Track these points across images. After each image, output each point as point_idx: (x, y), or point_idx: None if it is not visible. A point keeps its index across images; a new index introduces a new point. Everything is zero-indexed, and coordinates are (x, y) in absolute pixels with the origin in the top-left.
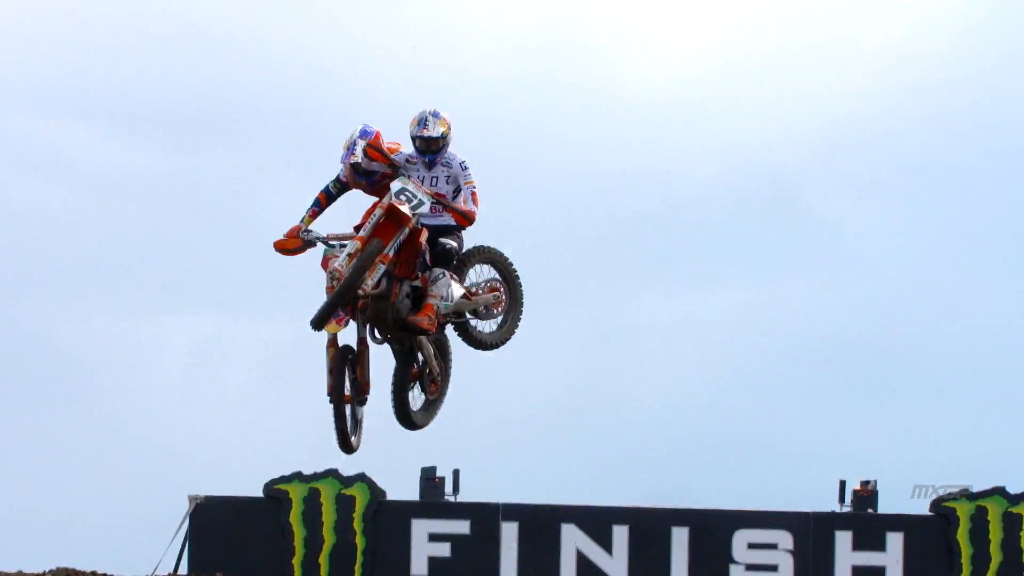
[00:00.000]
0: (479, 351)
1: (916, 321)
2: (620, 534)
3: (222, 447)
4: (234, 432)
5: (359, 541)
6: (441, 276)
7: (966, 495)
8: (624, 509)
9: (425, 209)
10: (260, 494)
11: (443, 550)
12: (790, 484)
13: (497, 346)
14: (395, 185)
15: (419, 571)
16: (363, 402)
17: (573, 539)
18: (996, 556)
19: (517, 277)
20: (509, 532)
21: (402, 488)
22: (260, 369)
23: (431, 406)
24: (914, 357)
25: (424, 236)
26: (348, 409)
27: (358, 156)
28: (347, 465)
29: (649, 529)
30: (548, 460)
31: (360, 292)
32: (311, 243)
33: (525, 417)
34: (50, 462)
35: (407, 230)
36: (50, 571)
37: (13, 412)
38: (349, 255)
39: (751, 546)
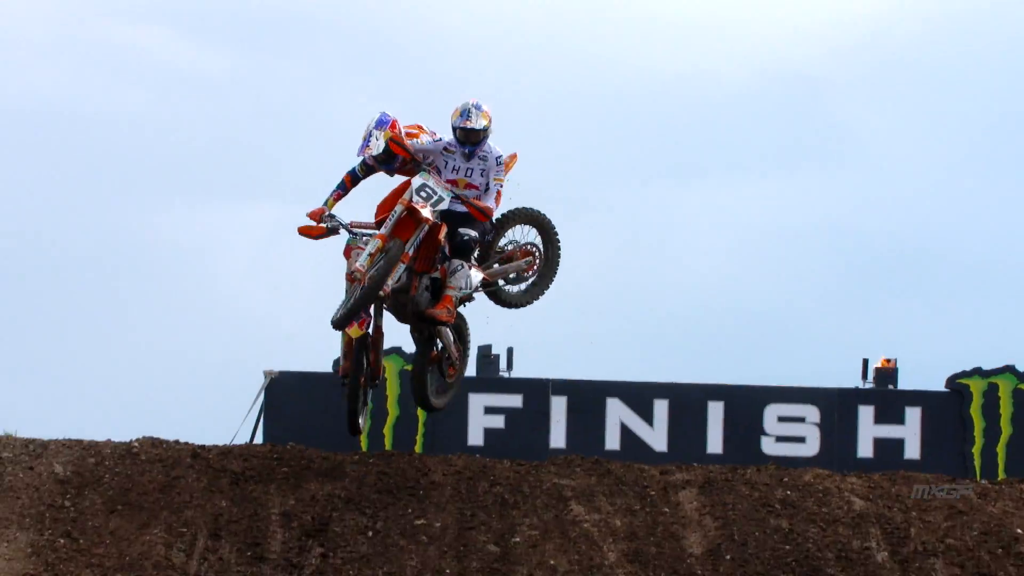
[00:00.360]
0: (504, 308)
1: (932, 214)
2: (660, 408)
3: (295, 325)
4: (306, 312)
5: (420, 413)
6: (460, 268)
7: (979, 373)
8: (664, 384)
9: (444, 205)
10: (330, 370)
11: (497, 422)
12: (817, 362)
13: (522, 306)
14: (416, 181)
15: (475, 441)
16: (375, 386)
17: (617, 412)
18: (1006, 429)
19: (557, 241)
20: (558, 405)
21: None
22: (327, 255)
23: (449, 388)
24: (931, 247)
25: (443, 232)
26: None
27: (373, 148)
28: (411, 344)
29: (687, 403)
30: (594, 339)
31: (381, 293)
32: (334, 230)
33: (574, 300)
34: (138, 340)
35: (426, 227)
36: (136, 440)
37: (103, 294)
38: (370, 255)
39: (781, 419)
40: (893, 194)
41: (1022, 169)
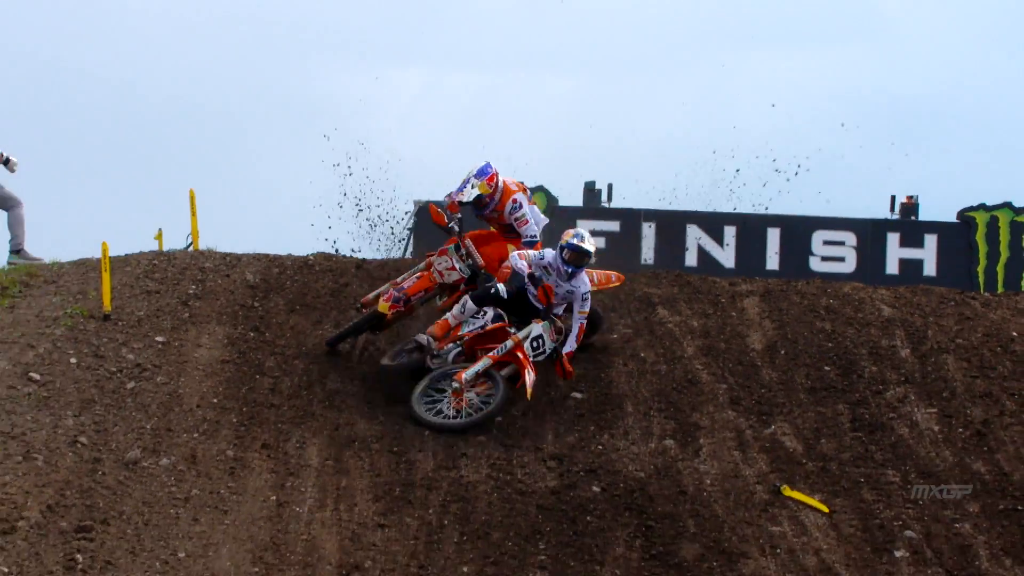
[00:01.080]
0: None
1: (945, 78)
2: (730, 232)
3: (438, 164)
4: (445, 153)
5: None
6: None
7: (983, 208)
8: (732, 214)
9: (543, 357)
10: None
11: (599, 243)
12: (855, 198)
13: None
14: (535, 328)
15: None
16: (377, 332)
17: (695, 236)
18: (1004, 252)
19: (595, 333)
20: (648, 230)
21: (570, 197)
22: (467, 110)
23: None
24: (946, 105)
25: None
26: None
27: (465, 195)
28: (529, 179)
29: (751, 229)
30: (677, 176)
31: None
32: (451, 231)
33: (660, 144)
34: (317, 176)
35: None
36: (312, 254)
37: (296, 140)
38: (478, 375)
39: (825, 243)
40: (914, 62)
41: (1019, 41)
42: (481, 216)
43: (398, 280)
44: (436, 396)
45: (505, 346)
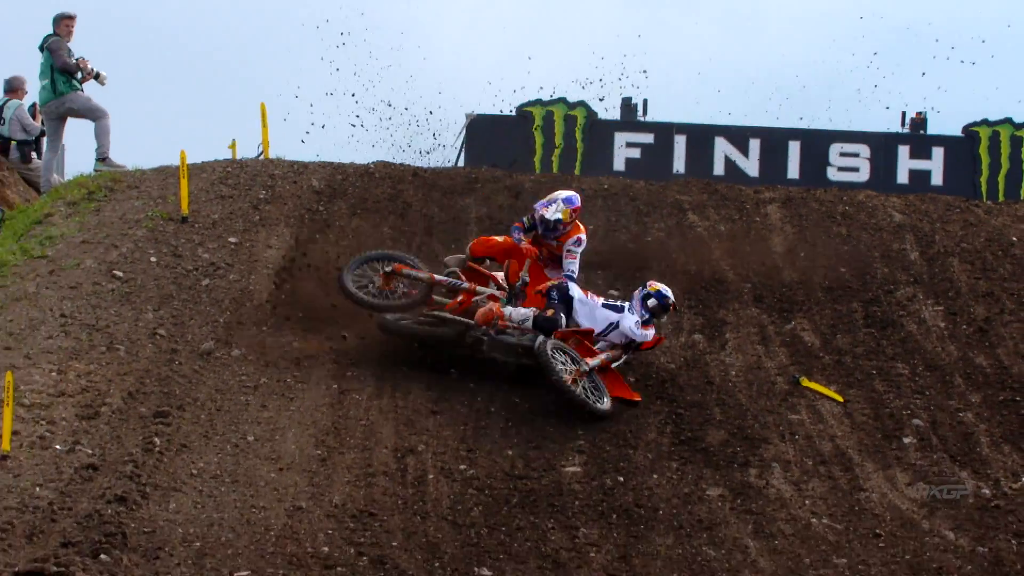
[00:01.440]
0: None
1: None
2: (754, 144)
3: (488, 80)
4: (496, 72)
5: (579, 146)
6: None
7: (986, 123)
8: (757, 127)
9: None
10: (513, 113)
11: (635, 153)
12: (869, 113)
13: None
14: (622, 359)
15: (619, 167)
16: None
17: (722, 148)
18: (1005, 164)
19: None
20: (680, 142)
21: (609, 111)
22: (517, 27)
23: None
24: (953, 29)
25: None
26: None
27: (548, 213)
28: (572, 94)
29: (774, 141)
30: (705, 90)
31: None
32: (511, 288)
33: (692, 62)
34: (379, 90)
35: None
36: (372, 163)
37: (355, 60)
38: (577, 382)
39: (842, 154)
40: None
41: None
42: (544, 237)
43: (437, 278)
44: (560, 357)
45: (608, 356)
